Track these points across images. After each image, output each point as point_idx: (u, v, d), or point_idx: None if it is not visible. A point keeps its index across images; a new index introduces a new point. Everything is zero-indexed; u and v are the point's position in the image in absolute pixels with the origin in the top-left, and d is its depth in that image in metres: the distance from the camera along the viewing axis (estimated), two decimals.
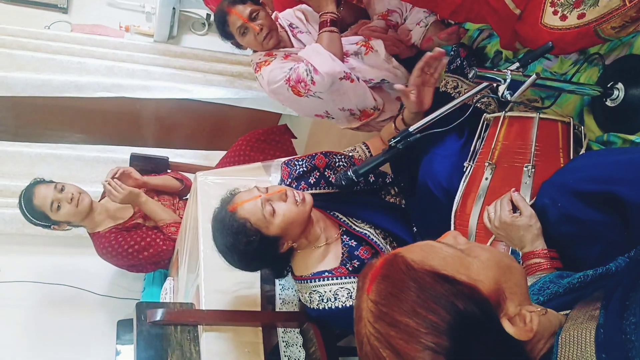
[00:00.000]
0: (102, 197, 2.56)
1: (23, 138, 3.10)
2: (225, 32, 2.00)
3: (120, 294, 2.78)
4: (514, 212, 1.23)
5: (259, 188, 1.52)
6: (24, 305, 2.70)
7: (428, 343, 0.66)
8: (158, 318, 1.61)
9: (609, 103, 1.41)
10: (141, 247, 2.39)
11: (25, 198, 2.28)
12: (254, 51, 2.06)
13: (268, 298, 1.85)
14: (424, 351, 0.66)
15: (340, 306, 1.50)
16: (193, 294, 1.88)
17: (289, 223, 1.49)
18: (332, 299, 1.51)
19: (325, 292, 1.52)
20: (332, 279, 1.54)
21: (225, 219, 1.50)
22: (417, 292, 0.69)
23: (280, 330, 1.71)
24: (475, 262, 0.73)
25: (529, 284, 0.89)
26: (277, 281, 1.81)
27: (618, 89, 1.38)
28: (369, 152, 1.80)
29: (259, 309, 1.74)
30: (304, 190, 1.70)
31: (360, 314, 0.73)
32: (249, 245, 1.47)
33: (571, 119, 1.38)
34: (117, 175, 2.42)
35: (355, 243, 1.61)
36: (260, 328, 1.70)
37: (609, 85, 1.41)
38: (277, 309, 1.78)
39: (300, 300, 1.67)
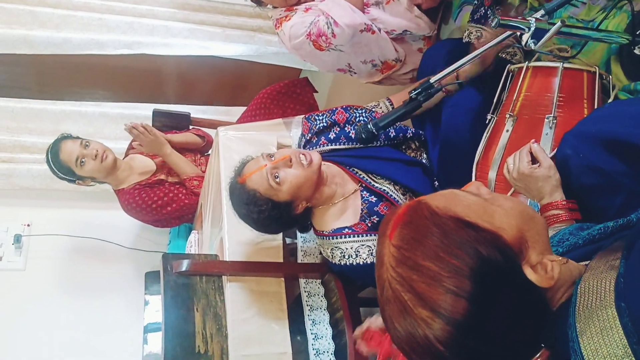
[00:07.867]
0: (126, 154, 2.60)
1: (47, 96, 3.12)
2: None
3: (146, 246, 2.85)
4: (533, 163, 1.22)
5: (265, 156, 1.54)
6: (55, 257, 2.78)
7: (450, 287, 0.67)
8: (184, 268, 1.66)
9: (637, 51, 1.36)
10: (164, 202, 2.43)
11: (52, 152, 2.33)
12: (274, 7, 2.02)
13: (290, 250, 1.88)
14: (446, 294, 0.67)
15: (361, 262, 1.53)
16: (217, 246, 1.92)
17: (298, 187, 1.51)
18: (354, 256, 1.54)
19: (346, 248, 1.55)
20: (353, 236, 1.56)
21: (236, 190, 1.55)
22: (441, 238, 0.70)
23: (302, 281, 1.75)
24: (499, 211, 0.74)
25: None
26: (298, 233, 1.83)
27: None
28: (392, 107, 1.78)
29: (281, 260, 1.77)
30: (323, 146, 1.70)
31: (382, 258, 0.74)
32: (262, 213, 1.51)
33: (597, 68, 1.34)
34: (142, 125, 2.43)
35: (375, 199, 1.62)
36: (283, 279, 1.73)
37: (638, 33, 1.36)
38: (299, 261, 1.81)
39: (321, 253, 1.70)
